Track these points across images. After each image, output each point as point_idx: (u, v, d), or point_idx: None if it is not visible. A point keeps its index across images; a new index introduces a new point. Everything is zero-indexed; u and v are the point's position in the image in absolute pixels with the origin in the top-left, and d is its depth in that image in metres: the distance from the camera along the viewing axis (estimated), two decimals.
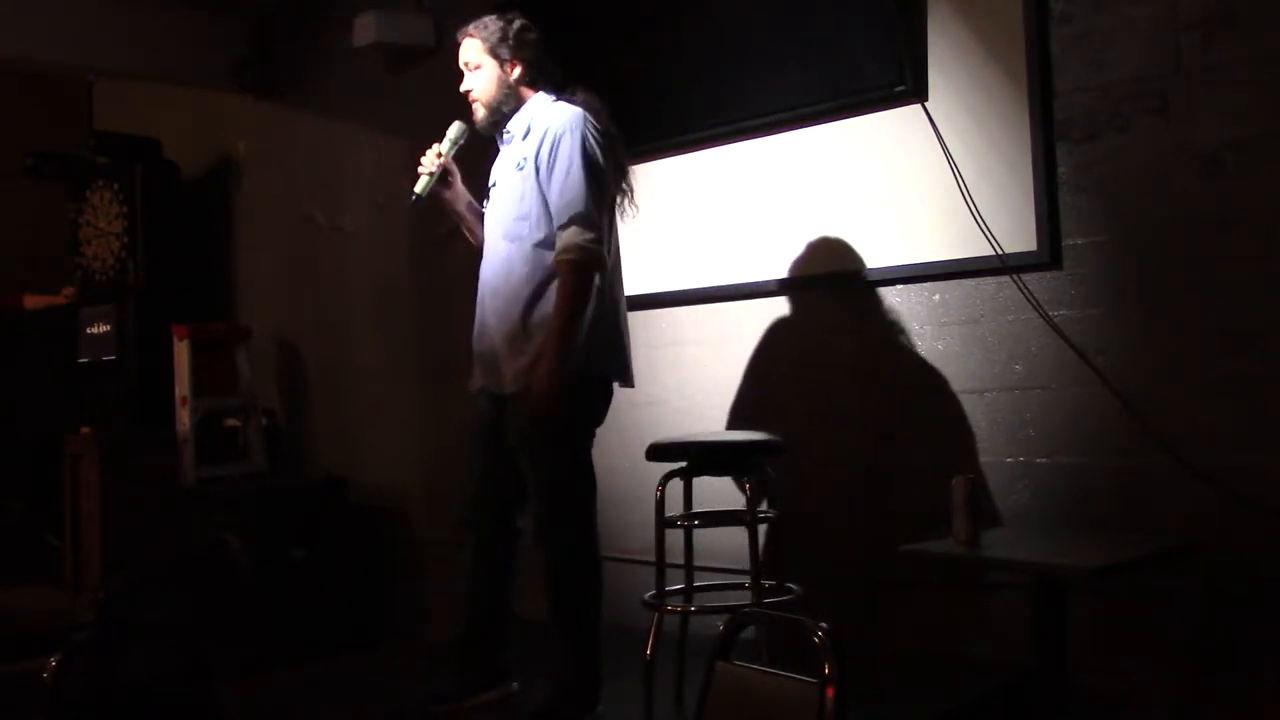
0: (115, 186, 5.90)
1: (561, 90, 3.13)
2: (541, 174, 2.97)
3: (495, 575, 3.21)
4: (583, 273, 2.91)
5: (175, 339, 5.34)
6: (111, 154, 6.01)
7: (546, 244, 2.99)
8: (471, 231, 3.30)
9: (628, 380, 3.17)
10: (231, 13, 5.79)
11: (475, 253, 3.29)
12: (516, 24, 3.10)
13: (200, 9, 5.68)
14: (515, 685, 3.24)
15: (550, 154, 2.96)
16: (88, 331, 5.93)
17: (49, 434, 5.92)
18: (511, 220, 3.05)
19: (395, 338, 5.27)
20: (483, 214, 3.25)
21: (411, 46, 4.87)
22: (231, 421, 5.43)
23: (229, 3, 5.72)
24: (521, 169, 3.03)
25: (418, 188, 3.14)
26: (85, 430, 5.62)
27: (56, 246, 6.26)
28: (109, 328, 5.82)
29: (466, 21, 3.16)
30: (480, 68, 3.08)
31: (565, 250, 2.92)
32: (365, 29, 4.83)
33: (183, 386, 5.30)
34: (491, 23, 3.10)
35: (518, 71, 3.08)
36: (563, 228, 2.94)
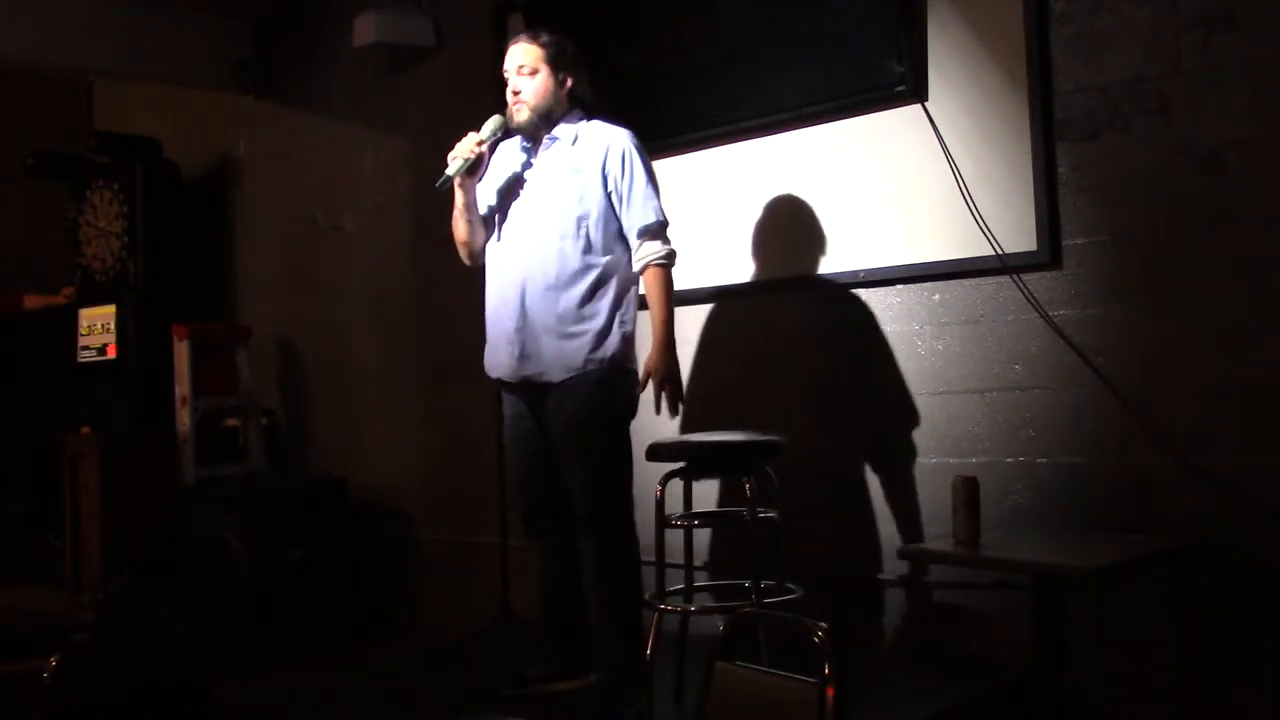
0: (115, 186, 5.89)
1: (590, 110, 3.34)
2: (613, 183, 3.23)
3: (571, 572, 3.32)
4: (670, 273, 3.24)
5: (175, 339, 5.34)
6: (111, 154, 5.99)
7: (601, 242, 3.22)
8: (471, 223, 3.37)
9: None
10: (231, 13, 5.79)
11: (466, 246, 3.40)
12: (570, 46, 3.32)
13: (200, 9, 5.68)
14: (593, 678, 3.31)
15: (623, 167, 3.22)
16: (88, 331, 5.93)
17: (49, 434, 5.91)
18: (567, 218, 3.22)
19: (395, 338, 5.27)
20: (481, 210, 3.37)
21: (411, 46, 4.87)
22: (231, 421, 5.43)
23: (229, 3, 5.72)
24: (579, 172, 3.24)
25: (450, 170, 3.24)
26: (85, 430, 5.61)
27: (56, 246, 6.26)
28: (109, 328, 5.82)
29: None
30: (536, 73, 3.26)
31: (656, 255, 3.22)
32: (365, 29, 4.83)
33: (183, 386, 5.29)
34: (550, 36, 3.31)
35: (569, 85, 3.30)
36: (646, 236, 3.22)
